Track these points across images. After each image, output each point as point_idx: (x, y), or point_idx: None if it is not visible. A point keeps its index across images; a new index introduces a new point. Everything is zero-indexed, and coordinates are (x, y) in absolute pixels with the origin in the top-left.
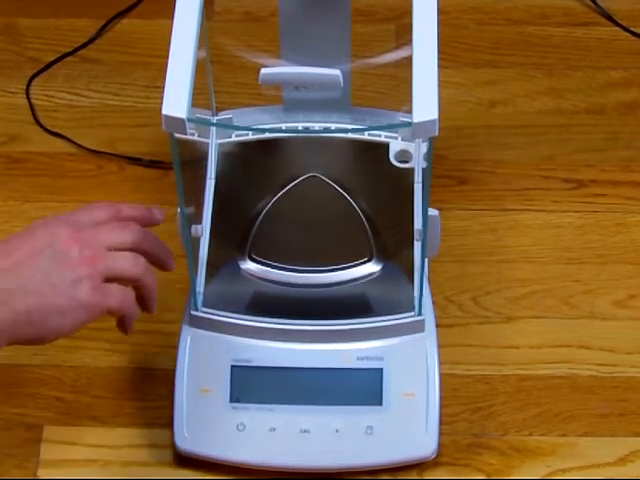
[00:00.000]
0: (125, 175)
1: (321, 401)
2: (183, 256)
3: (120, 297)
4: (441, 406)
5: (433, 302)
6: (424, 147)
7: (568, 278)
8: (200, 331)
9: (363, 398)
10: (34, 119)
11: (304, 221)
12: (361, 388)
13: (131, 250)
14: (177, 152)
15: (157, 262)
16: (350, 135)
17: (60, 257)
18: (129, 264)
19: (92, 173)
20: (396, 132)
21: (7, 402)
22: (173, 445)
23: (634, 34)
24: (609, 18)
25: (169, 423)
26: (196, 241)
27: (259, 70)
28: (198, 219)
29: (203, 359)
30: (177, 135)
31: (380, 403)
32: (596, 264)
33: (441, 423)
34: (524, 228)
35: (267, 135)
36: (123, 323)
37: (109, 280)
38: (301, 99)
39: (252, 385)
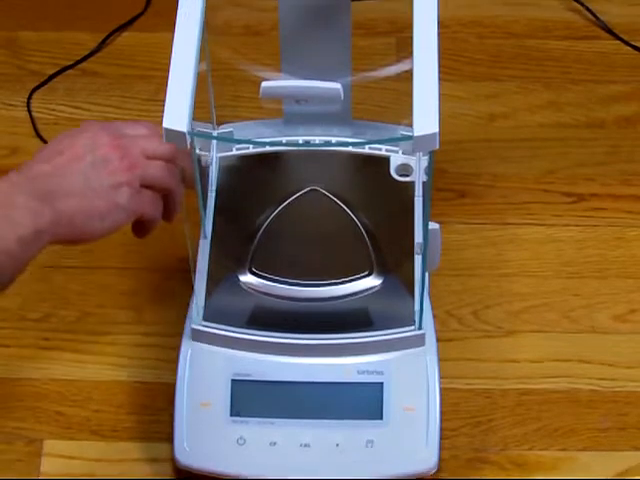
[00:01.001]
0: None
1: (321, 415)
2: (182, 270)
3: (154, 203)
4: (441, 420)
5: (433, 316)
6: (425, 161)
7: (568, 292)
8: (200, 345)
9: (363, 412)
10: (35, 132)
11: (304, 235)
12: (361, 402)
13: (166, 161)
14: (198, 167)
15: (186, 179)
16: (351, 149)
17: (100, 163)
18: (165, 173)
19: None
20: (397, 145)
21: (7, 416)
22: (173, 459)
23: (635, 48)
24: (610, 32)
25: (169, 437)
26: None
27: (260, 83)
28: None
29: (203, 373)
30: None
31: (380, 417)
32: (596, 278)
33: (441, 437)
34: (524, 242)
35: (268, 148)
36: (144, 228)
37: (144, 186)
38: (302, 112)
39: (252, 399)
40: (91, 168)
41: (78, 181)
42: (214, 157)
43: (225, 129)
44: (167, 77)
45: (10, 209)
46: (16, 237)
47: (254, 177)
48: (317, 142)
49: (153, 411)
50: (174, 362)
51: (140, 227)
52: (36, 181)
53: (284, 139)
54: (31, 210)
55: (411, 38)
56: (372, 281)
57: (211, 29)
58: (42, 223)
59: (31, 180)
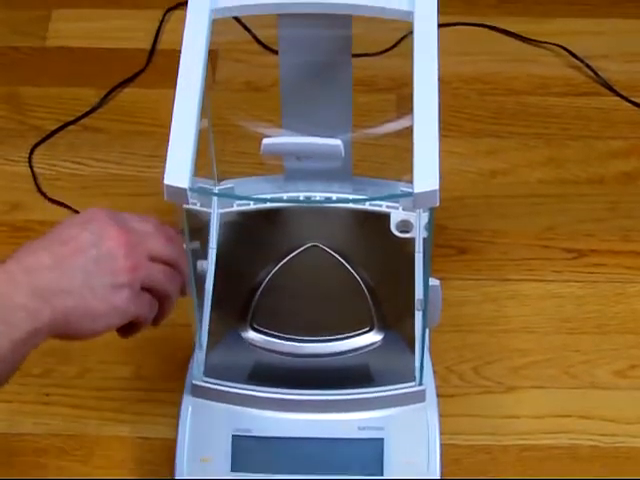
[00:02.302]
0: None
1: (322, 471)
2: (183, 325)
3: (151, 307)
4: (442, 476)
5: (434, 372)
6: (425, 217)
7: (568, 348)
8: (201, 400)
9: (364, 468)
10: (36, 187)
11: (305, 291)
12: (362, 458)
13: (169, 264)
14: (187, 224)
15: (183, 284)
16: (351, 205)
17: (104, 260)
18: (166, 279)
19: None
20: (397, 202)
21: (9, 471)
22: None
23: (634, 104)
24: (609, 88)
25: None
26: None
27: (261, 139)
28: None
29: (204, 428)
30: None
31: (381, 473)
32: (596, 334)
33: None
34: (524, 298)
35: (268, 205)
36: (132, 330)
37: (144, 289)
38: (302, 169)
39: (253, 455)
40: (93, 264)
41: (78, 278)
42: (215, 213)
43: (226, 185)
44: (168, 133)
45: (7, 310)
46: (10, 341)
47: (255, 233)
48: (318, 198)
49: (154, 466)
50: (175, 417)
51: (128, 328)
52: (35, 275)
53: (285, 195)
54: (30, 311)
55: (411, 94)
56: (373, 337)
57: (212, 85)
58: (40, 323)
59: (30, 273)
